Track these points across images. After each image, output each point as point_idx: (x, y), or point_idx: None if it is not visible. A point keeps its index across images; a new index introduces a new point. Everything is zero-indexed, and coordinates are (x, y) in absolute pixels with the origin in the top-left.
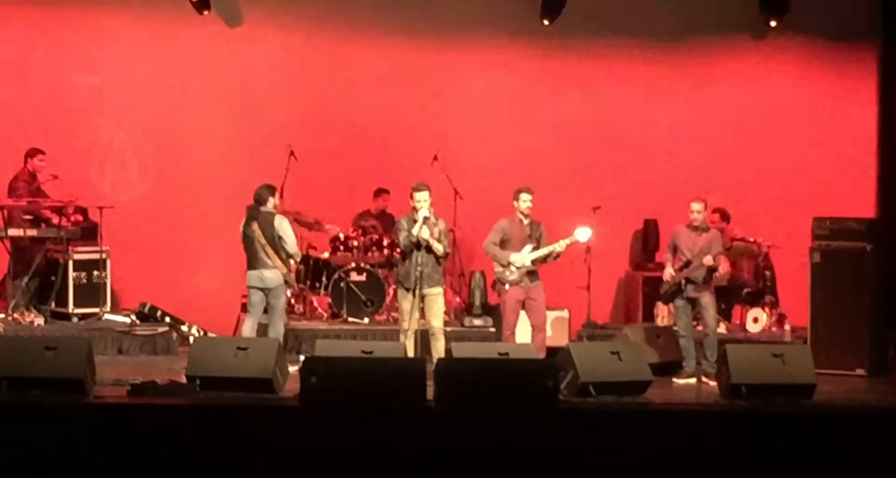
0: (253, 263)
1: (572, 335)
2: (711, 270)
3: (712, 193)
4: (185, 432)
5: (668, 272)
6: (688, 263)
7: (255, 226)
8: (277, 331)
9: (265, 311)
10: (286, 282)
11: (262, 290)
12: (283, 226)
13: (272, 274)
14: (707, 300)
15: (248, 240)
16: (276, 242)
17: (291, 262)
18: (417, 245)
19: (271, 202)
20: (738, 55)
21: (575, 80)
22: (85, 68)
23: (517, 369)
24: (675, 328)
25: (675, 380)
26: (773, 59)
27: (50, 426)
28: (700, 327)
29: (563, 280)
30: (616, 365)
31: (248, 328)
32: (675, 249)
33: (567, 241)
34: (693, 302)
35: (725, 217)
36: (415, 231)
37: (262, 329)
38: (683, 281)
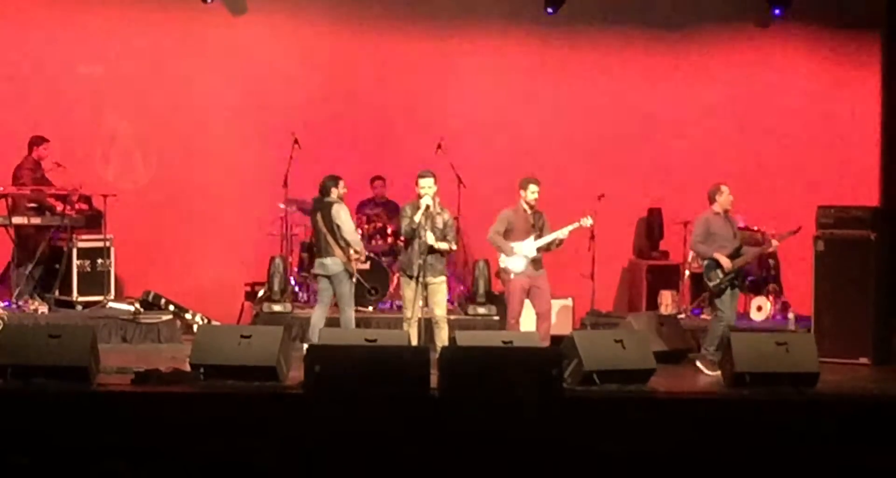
0: (318, 251)
1: (576, 324)
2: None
3: (715, 181)
4: (189, 420)
5: (728, 263)
6: (738, 251)
7: (318, 216)
8: (346, 317)
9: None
10: (346, 270)
11: (325, 277)
12: (339, 214)
13: (331, 261)
14: (737, 290)
15: (314, 230)
16: (335, 231)
17: (351, 250)
18: (409, 240)
19: (334, 192)
20: (741, 44)
21: (579, 68)
22: (89, 57)
23: (521, 358)
24: (678, 311)
25: (708, 372)
26: (776, 48)
27: (54, 414)
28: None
29: (567, 269)
30: (620, 353)
31: (316, 316)
32: (708, 237)
33: (570, 227)
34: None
35: None
36: (417, 218)
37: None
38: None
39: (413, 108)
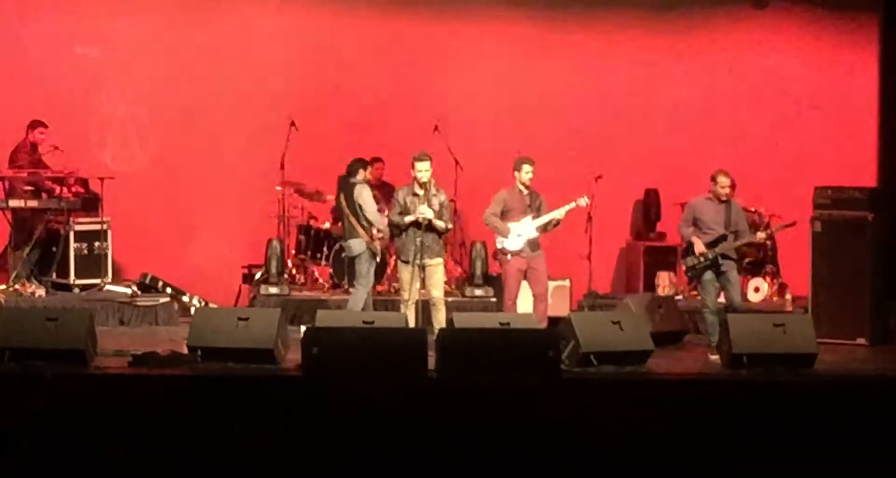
0: (344, 233)
1: (573, 305)
2: (751, 244)
3: (712, 163)
4: (186, 402)
5: (700, 247)
6: (724, 237)
7: (342, 197)
8: (356, 297)
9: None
10: (370, 249)
11: (351, 259)
12: (362, 194)
13: (354, 242)
14: (734, 275)
15: (338, 211)
16: (357, 212)
17: (374, 230)
18: (400, 229)
19: (361, 174)
20: (738, 25)
21: (576, 50)
22: (86, 39)
23: (518, 339)
24: (675, 293)
25: (711, 356)
26: (773, 29)
27: (51, 397)
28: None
29: (565, 250)
30: (617, 335)
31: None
32: (694, 222)
33: (567, 207)
34: (719, 276)
35: (733, 185)
36: (420, 212)
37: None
38: (719, 256)
39: (410, 90)
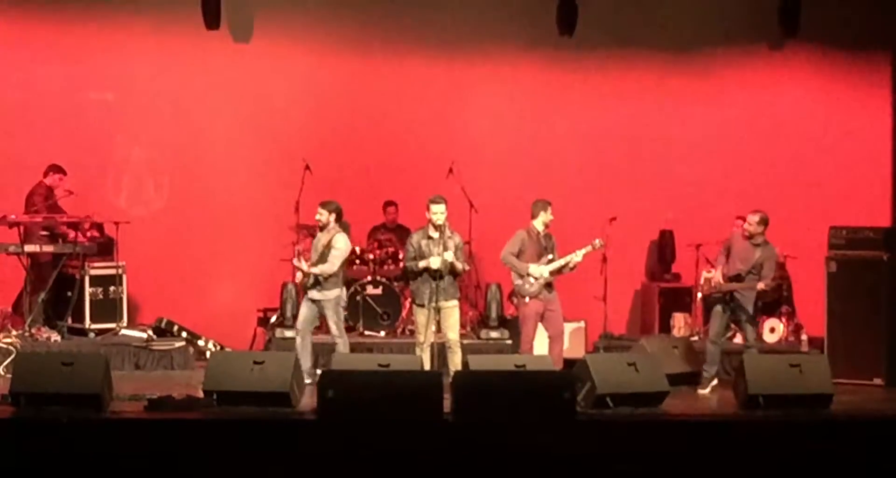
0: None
1: (589, 347)
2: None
3: (728, 203)
4: (202, 446)
5: (717, 277)
6: (738, 277)
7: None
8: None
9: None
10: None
11: None
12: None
13: None
14: (749, 317)
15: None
16: None
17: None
18: (414, 273)
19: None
20: (753, 66)
21: (590, 92)
22: (100, 84)
23: (534, 381)
24: (691, 334)
25: (700, 391)
26: (788, 70)
27: (68, 442)
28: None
29: (580, 291)
30: (633, 376)
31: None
32: (727, 253)
33: (583, 251)
34: (734, 311)
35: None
36: (446, 257)
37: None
38: (732, 293)
39: (424, 133)
